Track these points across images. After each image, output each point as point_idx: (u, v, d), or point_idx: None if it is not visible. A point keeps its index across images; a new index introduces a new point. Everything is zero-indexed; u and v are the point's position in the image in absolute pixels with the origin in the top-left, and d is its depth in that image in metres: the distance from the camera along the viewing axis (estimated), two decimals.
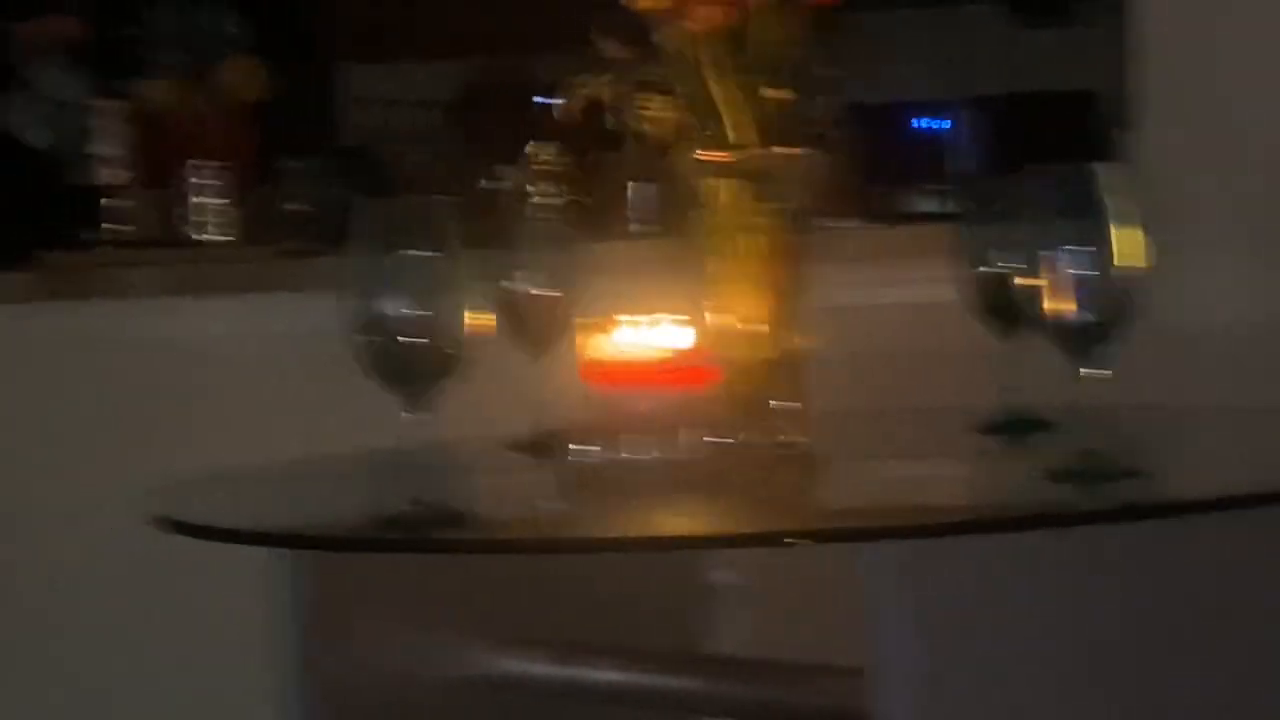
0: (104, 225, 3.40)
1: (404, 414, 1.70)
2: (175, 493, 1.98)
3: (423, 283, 1.70)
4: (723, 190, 1.95)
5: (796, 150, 1.96)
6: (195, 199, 3.38)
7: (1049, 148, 1.76)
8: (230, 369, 3.13)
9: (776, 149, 1.95)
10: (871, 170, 3.57)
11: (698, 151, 1.95)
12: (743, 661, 2.52)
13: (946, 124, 4.06)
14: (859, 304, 2.88)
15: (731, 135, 1.94)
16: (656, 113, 1.96)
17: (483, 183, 3.48)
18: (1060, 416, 1.97)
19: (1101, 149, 1.75)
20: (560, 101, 2.01)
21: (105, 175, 3.37)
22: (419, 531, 1.68)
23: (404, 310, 1.69)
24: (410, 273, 1.70)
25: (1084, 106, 4.95)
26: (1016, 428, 2.10)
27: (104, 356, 3.19)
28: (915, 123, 4.97)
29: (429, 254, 1.70)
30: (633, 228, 3.35)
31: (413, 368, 1.69)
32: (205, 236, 3.37)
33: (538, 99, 3.88)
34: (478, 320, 1.73)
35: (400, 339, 1.68)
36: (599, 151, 3.44)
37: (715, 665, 2.41)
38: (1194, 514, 1.66)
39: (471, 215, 2.26)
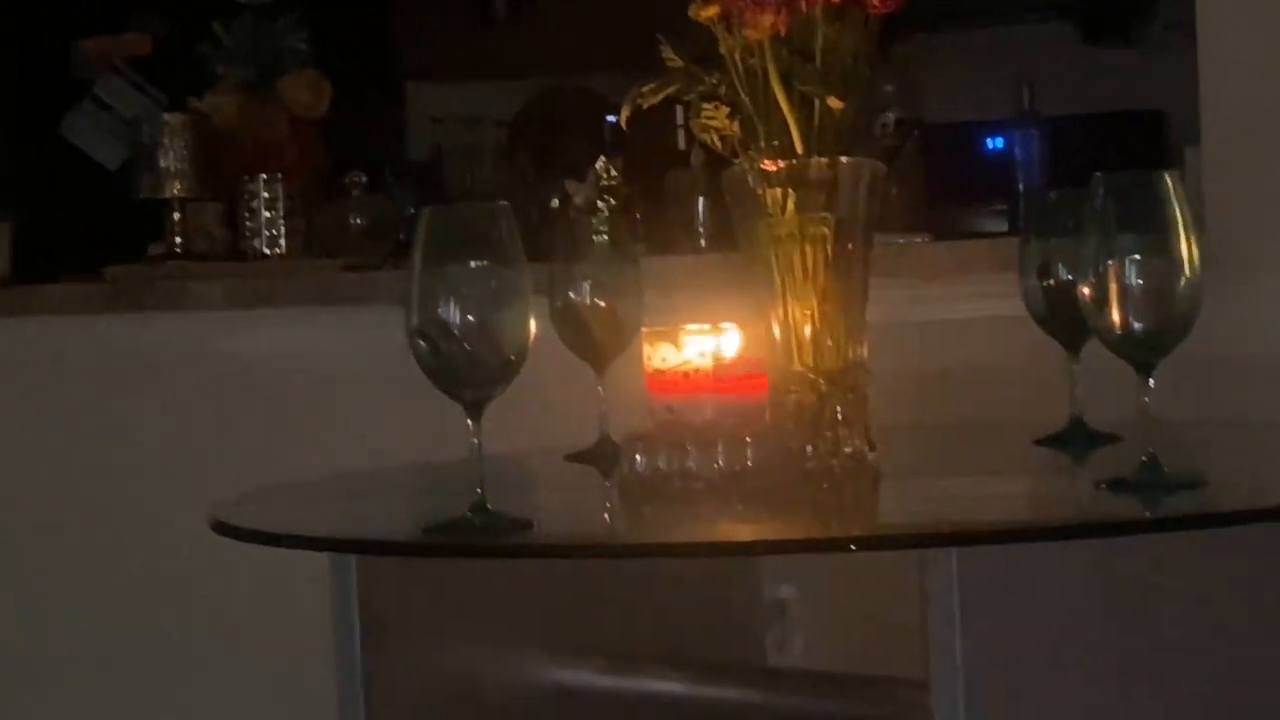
0: (170, 239, 3.41)
1: (468, 422, 1.70)
2: (237, 501, 1.99)
3: (485, 290, 1.70)
4: (786, 200, 1.94)
5: (860, 161, 1.95)
6: (262, 213, 3.39)
7: (1117, 167, 1.75)
8: (295, 381, 3.15)
9: (840, 159, 1.94)
10: (940, 187, 3.57)
11: (762, 161, 1.94)
12: (803, 674, 2.52)
13: (1016, 143, 4.04)
14: (925, 319, 2.88)
15: (796, 145, 1.94)
16: (720, 123, 1.95)
17: (553, 200, 3.49)
18: (1125, 429, 1.95)
19: (1169, 168, 1.75)
20: (625, 112, 2.01)
21: (172, 189, 3.39)
22: (479, 538, 1.68)
23: (467, 317, 1.68)
24: (472, 280, 1.70)
25: (1153, 126, 4.92)
26: (1081, 440, 2.09)
27: (169, 368, 3.21)
28: (985, 142, 4.96)
29: (491, 261, 1.69)
30: (701, 242, 3.35)
31: (474, 375, 1.69)
32: (271, 250, 3.38)
33: (608, 118, 3.89)
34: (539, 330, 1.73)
35: (463, 345, 1.68)
36: (669, 168, 3.45)
37: (776, 677, 2.41)
38: (1251, 523, 1.64)
39: (539, 229, 2.27)
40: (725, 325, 1.90)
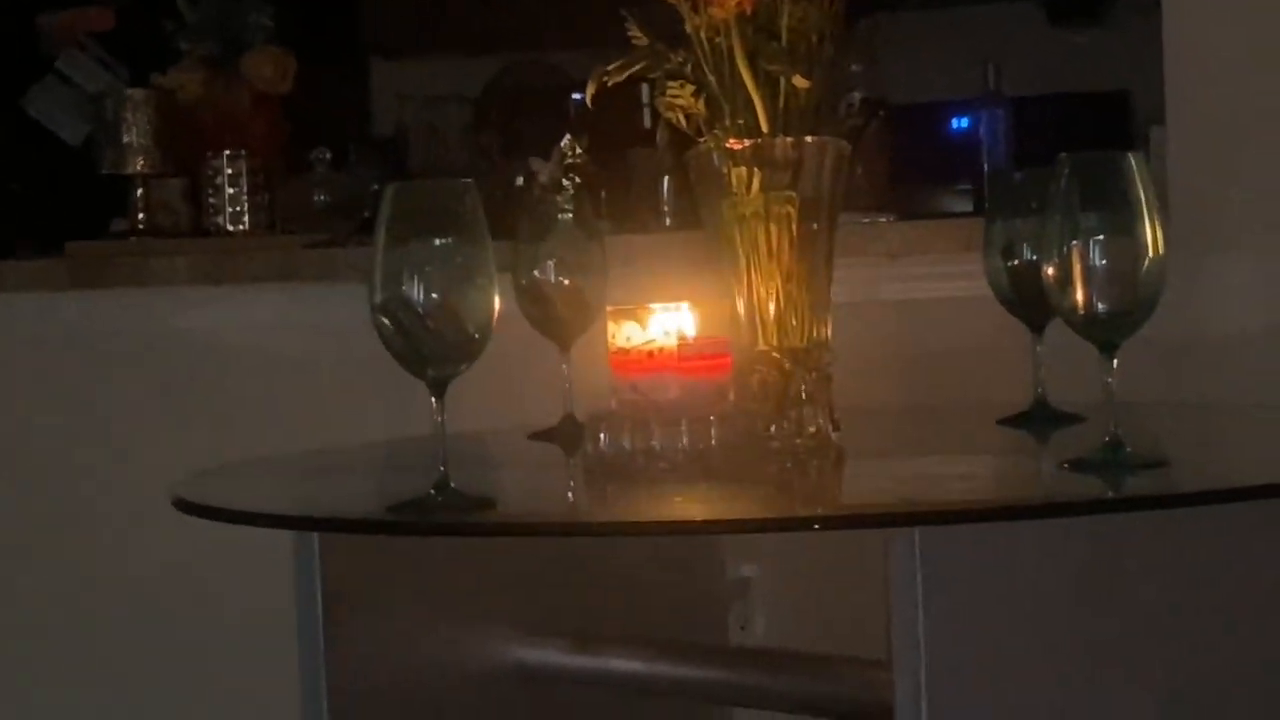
0: (133, 215, 3.40)
1: (432, 400, 1.69)
2: (199, 478, 1.98)
3: (449, 268, 1.69)
4: (751, 179, 1.94)
5: (825, 140, 1.95)
6: (225, 189, 3.38)
7: (1083, 147, 1.75)
8: (258, 358, 3.14)
9: (805, 138, 1.94)
10: (906, 167, 3.57)
11: (727, 140, 1.94)
12: (766, 652, 2.52)
13: (981, 123, 4.04)
14: (890, 298, 2.88)
15: (761, 124, 1.93)
16: (686, 101, 1.95)
17: (518, 178, 3.48)
18: (1088, 410, 1.96)
19: (1134, 149, 1.75)
20: (590, 89, 2.00)
21: (135, 165, 3.37)
22: (442, 516, 1.67)
23: (430, 294, 1.68)
24: (436, 257, 1.69)
25: (1118, 107, 4.93)
26: (1044, 421, 2.10)
27: (132, 344, 3.20)
28: (950, 122, 4.96)
29: (455, 239, 1.69)
30: (666, 221, 3.35)
31: (437, 353, 1.68)
32: (234, 227, 3.37)
33: (574, 96, 3.89)
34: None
35: (426, 323, 1.67)
36: (634, 147, 3.45)
37: (738, 656, 2.41)
38: (1212, 504, 1.64)
39: (504, 207, 2.26)
40: (689, 304, 1.90)
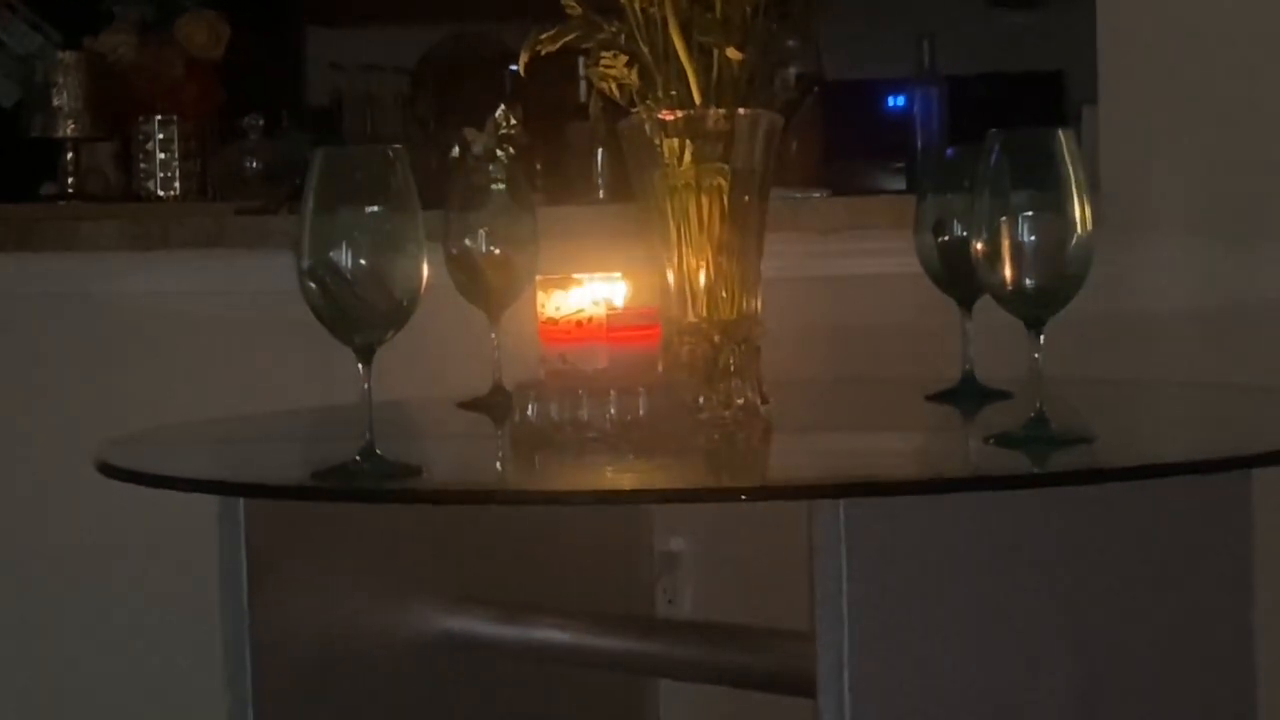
0: (63, 178, 3.38)
1: (359, 366, 1.69)
2: (125, 443, 1.97)
3: (377, 235, 1.68)
4: (683, 150, 1.94)
5: (758, 113, 1.95)
6: (157, 155, 3.36)
7: (1017, 126, 1.75)
8: (187, 324, 3.13)
9: (738, 111, 1.94)
10: (839, 144, 3.57)
11: (659, 111, 1.94)
12: (691, 624, 2.53)
13: (916, 101, 4.05)
14: (821, 274, 2.89)
15: (694, 96, 1.93)
16: (619, 71, 1.95)
17: (453, 149, 3.47)
18: (1015, 386, 1.97)
19: (1067, 128, 1.77)
20: (523, 58, 2.00)
21: (66, 128, 3.35)
22: (367, 483, 1.67)
23: (358, 261, 1.67)
24: (365, 224, 1.68)
25: (1052, 86, 4.95)
26: (972, 396, 2.11)
27: (60, 309, 3.18)
28: (885, 99, 4.97)
29: (384, 206, 1.68)
30: (600, 193, 3.34)
31: (364, 318, 1.68)
32: (165, 192, 3.35)
33: (510, 66, 3.88)
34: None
35: (353, 289, 1.67)
36: (569, 119, 3.44)
37: (664, 628, 2.41)
38: (1137, 479, 1.66)
39: (438, 177, 2.25)
40: (618, 274, 1.90)
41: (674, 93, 1.94)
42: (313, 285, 1.67)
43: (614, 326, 1.87)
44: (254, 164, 3.49)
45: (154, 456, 1.95)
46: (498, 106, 3.36)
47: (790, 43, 3.27)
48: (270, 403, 2.38)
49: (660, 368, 1.90)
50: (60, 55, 3.39)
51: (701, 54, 1.93)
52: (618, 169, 3.18)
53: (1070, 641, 1.72)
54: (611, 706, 2.44)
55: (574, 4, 1.95)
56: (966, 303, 2.12)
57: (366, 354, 1.69)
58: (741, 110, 1.94)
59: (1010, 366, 1.89)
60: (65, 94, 3.34)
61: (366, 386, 1.69)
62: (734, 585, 2.86)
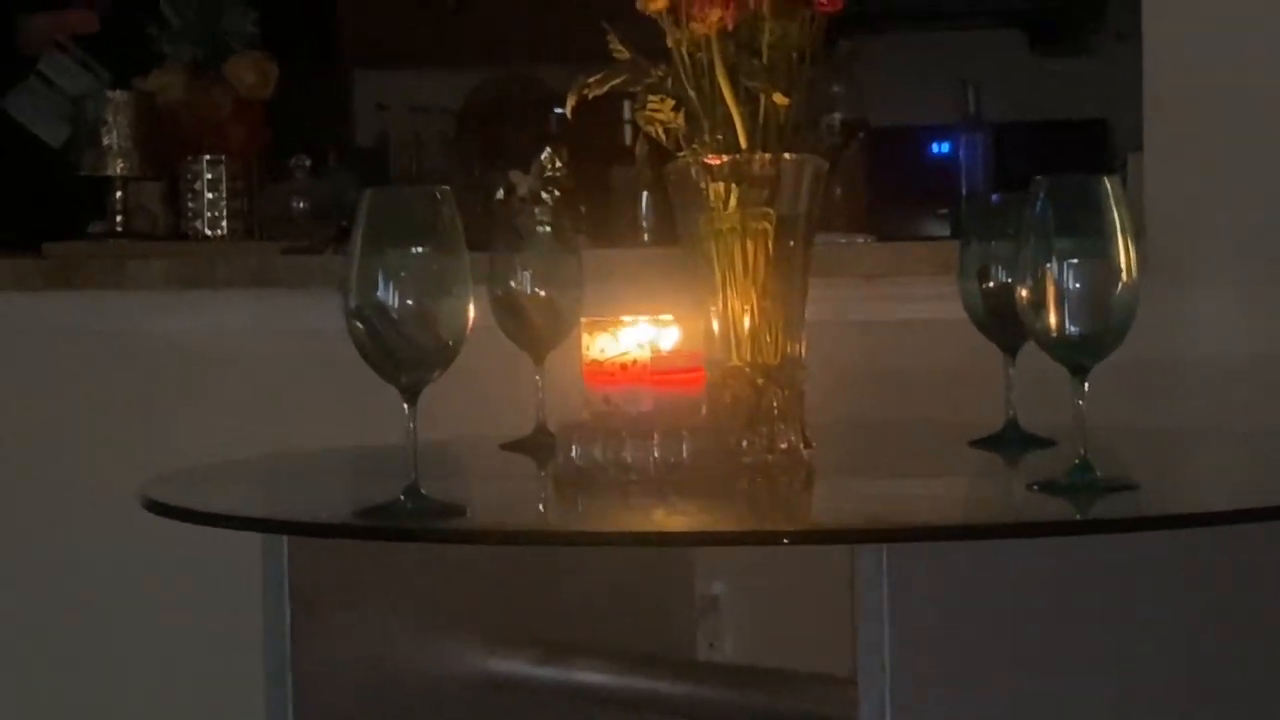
0: (111, 217, 3.40)
1: (404, 406, 1.69)
2: (171, 480, 1.98)
3: (424, 275, 1.69)
4: (729, 194, 1.94)
5: (803, 158, 1.96)
6: (204, 194, 3.38)
7: (1061, 173, 1.76)
8: (233, 363, 3.14)
9: (784, 155, 1.94)
10: (884, 189, 3.58)
11: (705, 155, 1.94)
12: (732, 668, 2.52)
13: (960, 148, 4.06)
14: (865, 318, 2.89)
15: (740, 140, 1.94)
16: (665, 115, 1.96)
17: (497, 190, 3.49)
18: (1059, 433, 1.96)
19: (1113, 175, 1.78)
20: (570, 102, 2.01)
21: (115, 167, 3.37)
22: (411, 522, 1.67)
23: (405, 301, 1.68)
24: (412, 265, 1.69)
25: (1097, 134, 4.95)
26: (1015, 443, 2.10)
27: (107, 347, 3.20)
28: (930, 145, 4.98)
29: (431, 247, 1.69)
30: (645, 236, 3.35)
31: (410, 359, 1.68)
32: (212, 231, 3.37)
33: (555, 109, 3.89)
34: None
35: (400, 329, 1.68)
36: (615, 162, 3.46)
37: (705, 671, 2.41)
38: (1180, 527, 1.65)
39: (483, 219, 2.27)
40: (664, 318, 1.90)
41: (720, 137, 1.95)
42: (359, 325, 1.68)
43: (658, 369, 1.88)
44: (301, 204, 3.51)
45: (199, 494, 1.96)
46: (543, 149, 3.38)
47: (835, 88, 3.30)
48: (315, 441, 2.39)
49: (704, 411, 1.90)
50: (110, 95, 3.41)
51: (748, 99, 1.94)
52: (663, 212, 3.18)
53: (1114, 690, 1.72)
54: None
55: (621, 48, 1.96)
56: (1010, 349, 2.12)
57: (412, 394, 1.70)
58: (787, 155, 1.95)
59: (1054, 413, 1.89)
60: (115, 133, 3.36)
61: (411, 426, 1.70)
62: (775, 629, 2.86)
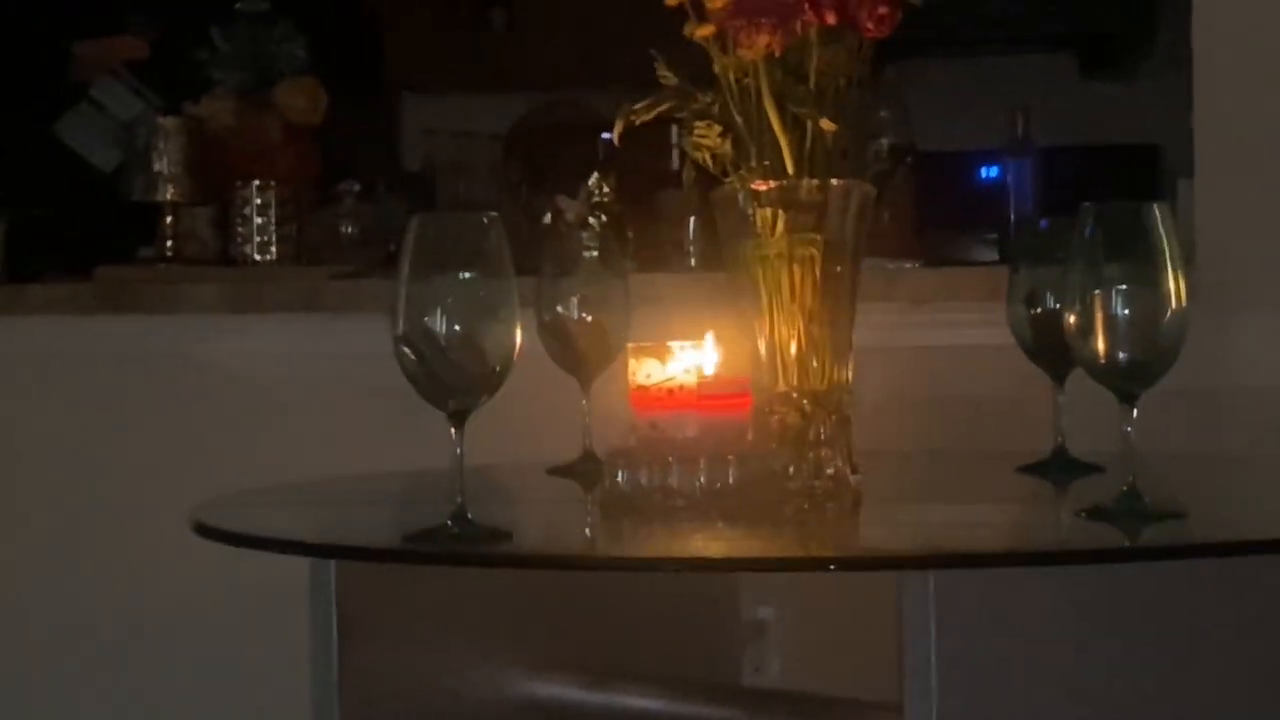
0: (161, 242, 3.41)
1: (451, 431, 1.70)
2: (219, 504, 1.99)
3: (472, 301, 1.70)
4: (776, 220, 1.94)
5: (850, 183, 1.96)
6: (254, 219, 3.39)
7: (1110, 199, 1.75)
8: (281, 387, 3.15)
9: (831, 181, 1.94)
10: (931, 214, 3.57)
11: (752, 181, 1.94)
12: (779, 694, 2.52)
13: (1009, 173, 4.04)
14: (913, 344, 2.88)
15: (787, 166, 1.94)
16: (712, 141, 1.96)
17: (544, 215, 3.49)
18: (1107, 460, 1.96)
19: (1163, 201, 1.77)
20: (617, 128, 2.01)
21: (165, 192, 3.39)
22: (458, 547, 1.68)
23: (453, 327, 1.68)
24: (459, 290, 1.70)
25: (1147, 160, 4.93)
26: (1063, 469, 2.10)
27: (157, 371, 3.21)
28: (978, 170, 4.97)
29: (479, 272, 1.70)
30: (691, 261, 3.35)
31: (457, 385, 1.69)
32: (261, 256, 3.38)
33: (603, 134, 3.90)
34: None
35: (447, 355, 1.68)
36: (662, 188, 3.46)
37: (752, 697, 2.41)
38: (1229, 555, 1.64)
39: (529, 243, 2.27)
40: (710, 343, 1.90)
41: (767, 163, 1.95)
42: (407, 350, 1.69)
43: (705, 395, 1.88)
44: (349, 229, 3.52)
45: (247, 518, 1.97)
46: (591, 174, 3.39)
47: (883, 114, 3.29)
48: (362, 465, 2.39)
49: (750, 436, 1.90)
50: (161, 120, 3.43)
51: (795, 125, 1.94)
52: (710, 237, 3.18)
53: (1163, 717, 1.71)
54: None
55: (668, 74, 1.97)
56: (1059, 375, 2.11)
57: (459, 419, 1.70)
58: (834, 181, 1.95)
59: (1103, 440, 1.88)
60: (165, 159, 3.38)
61: (459, 451, 1.70)
62: (821, 655, 2.85)
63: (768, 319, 1.96)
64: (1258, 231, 2.85)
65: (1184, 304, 1.71)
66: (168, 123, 3.42)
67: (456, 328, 1.69)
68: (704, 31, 1.94)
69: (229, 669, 3.16)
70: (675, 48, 1.97)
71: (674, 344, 1.89)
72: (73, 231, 3.70)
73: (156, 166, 3.39)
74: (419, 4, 5.41)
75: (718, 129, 1.95)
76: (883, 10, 1.91)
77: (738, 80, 1.94)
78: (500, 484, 2.23)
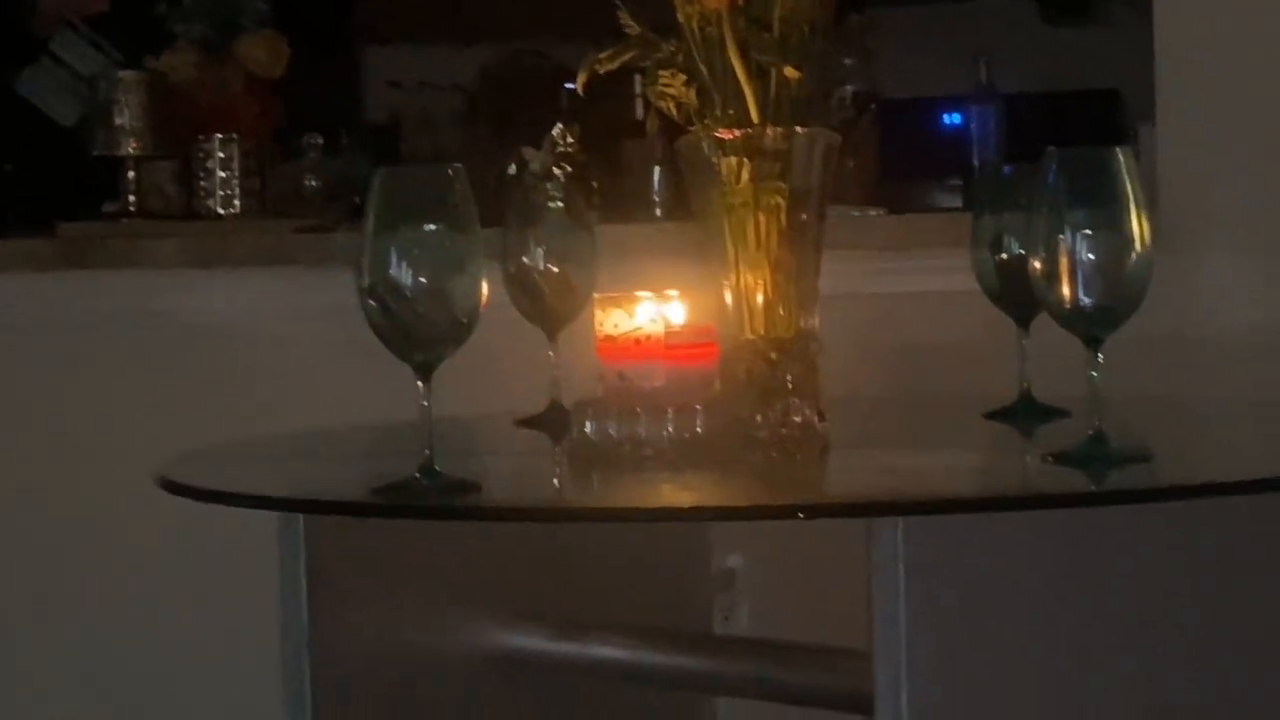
0: (124, 196, 3.40)
1: (418, 384, 1.70)
2: (185, 459, 1.98)
3: (437, 253, 1.70)
4: (741, 169, 1.94)
5: (815, 131, 1.96)
6: (217, 173, 3.38)
7: (1073, 144, 1.75)
8: (247, 342, 3.15)
9: (796, 129, 1.94)
10: (895, 162, 3.57)
11: (717, 129, 1.94)
12: (748, 642, 2.53)
13: (972, 119, 4.05)
14: (878, 291, 2.89)
15: (752, 114, 1.94)
16: (677, 90, 1.96)
17: (509, 167, 3.49)
18: (1073, 405, 1.96)
19: (1124, 146, 1.77)
20: (581, 78, 2.01)
21: (127, 147, 3.37)
22: (427, 500, 1.68)
23: (419, 279, 1.68)
24: (425, 242, 1.69)
25: (1109, 104, 4.94)
26: (1029, 415, 2.10)
27: (120, 326, 3.20)
28: (941, 117, 4.97)
29: (444, 224, 1.69)
30: (657, 211, 3.35)
31: (424, 337, 1.69)
32: (225, 210, 3.37)
33: (567, 85, 3.89)
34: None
35: (414, 307, 1.68)
36: (626, 138, 3.45)
37: (721, 645, 2.42)
38: (1194, 498, 1.65)
39: (495, 195, 2.27)
40: (676, 293, 1.90)
41: (731, 111, 1.95)
42: (373, 303, 1.69)
43: (672, 344, 1.88)
44: (313, 182, 3.51)
45: (214, 473, 1.96)
46: (555, 125, 3.38)
47: (847, 61, 3.29)
48: (329, 419, 2.39)
49: (717, 385, 1.90)
50: (121, 74, 3.41)
51: (759, 73, 1.94)
52: (675, 187, 3.18)
53: (1129, 662, 1.72)
54: None
55: (632, 23, 1.96)
56: (1024, 321, 2.12)
57: (426, 371, 1.70)
58: (799, 129, 1.95)
59: (1068, 385, 1.89)
60: (126, 113, 3.36)
61: (426, 404, 1.70)
62: (791, 603, 2.86)
63: (733, 268, 1.96)
64: (1219, 175, 2.86)
65: (1148, 248, 1.71)
66: (128, 76, 3.41)
67: (422, 280, 1.68)
68: None
69: (199, 625, 3.16)
70: None
71: (640, 294, 1.89)
72: (35, 187, 3.68)
73: (118, 120, 3.37)
74: None
75: (682, 78, 1.95)
76: None
77: (701, 28, 1.94)
78: (469, 436, 2.23)
